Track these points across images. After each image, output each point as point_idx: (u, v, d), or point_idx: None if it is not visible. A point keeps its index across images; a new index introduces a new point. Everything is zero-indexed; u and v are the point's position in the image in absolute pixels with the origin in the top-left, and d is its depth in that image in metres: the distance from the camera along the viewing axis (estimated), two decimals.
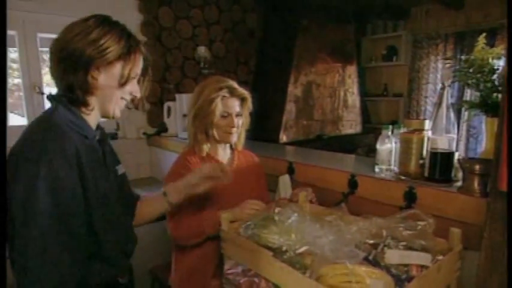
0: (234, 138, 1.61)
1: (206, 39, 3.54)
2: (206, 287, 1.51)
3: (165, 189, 1.36)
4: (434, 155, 1.34)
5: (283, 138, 3.65)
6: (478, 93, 1.34)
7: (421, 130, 1.40)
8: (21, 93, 2.75)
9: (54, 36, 1.07)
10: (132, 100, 1.24)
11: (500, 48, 1.30)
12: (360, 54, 4.68)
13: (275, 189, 1.85)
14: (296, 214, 1.14)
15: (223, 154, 1.67)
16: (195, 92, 1.61)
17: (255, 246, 1.10)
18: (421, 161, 1.41)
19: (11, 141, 1.01)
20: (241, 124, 1.61)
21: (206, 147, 1.61)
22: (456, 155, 1.36)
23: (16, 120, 2.83)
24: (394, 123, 1.62)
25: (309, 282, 0.92)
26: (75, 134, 1.02)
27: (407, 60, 4.40)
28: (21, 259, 0.95)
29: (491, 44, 1.28)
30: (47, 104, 1.11)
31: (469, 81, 1.32)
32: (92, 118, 1.12)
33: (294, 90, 3.72)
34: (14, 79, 2.90)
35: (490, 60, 1.26)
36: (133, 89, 1.15)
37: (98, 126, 1.18)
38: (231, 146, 1.71)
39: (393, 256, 1.02)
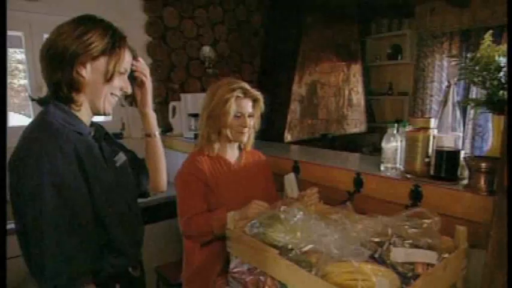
0: (245, 138, 1.66)
1: (211, 38, 3.55)
2: (212, 284, 1.52)
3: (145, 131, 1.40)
4: (440, 153, 1.34)
5: (288, 137, 3.65)
6: (484, 91, 1.34)
7: (426, 128, 1.40)
8: (27, 94, 2.78)
9: None
10: (126, 97, 1.28)
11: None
12: (364, 53, 4.66)
13: (280, 189, 1.86)
14: (302, 213, 1.15)
15: (232, 154, 1.71)
16: (208, 93, 1.65)
17: (260, 245, 1.11)
18: (426, 159, 1.40)
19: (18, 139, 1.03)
20: (252, 125, 1.66)
21: (216, 147, 1.64)
22: (462, 153, 1.35)
23: (23, 121, 2.85)
24: (399, 122, 1.62)
25: (315, 280, 0.93)
26: (70, 132, 1.04)
27: (412, 58, 4.38)
28: (36, 255, 0.97)
29: (497, 41, 1.27)
30: None
31: (475, 79, 1.32)
32: (84, 115, 1.13)
33: (298, 89, 3.72)
34: (20, 80, 2.92)
35: (497, 58, 1.26)
36: (123, 84, 1.16)
37: (92, 123, 1.20)
38: (239, 146, 1.75)
39: (399, 254, 1.02)
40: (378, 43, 4.75)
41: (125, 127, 3.08)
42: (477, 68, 1.30)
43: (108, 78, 1.10)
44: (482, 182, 1.22)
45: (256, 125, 1.70)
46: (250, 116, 1.64)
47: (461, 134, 1.34)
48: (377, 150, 4.07)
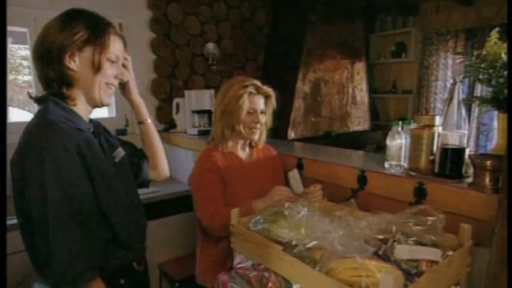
0: (256, 135, 1.70)
1: (215, 35, 3.55)
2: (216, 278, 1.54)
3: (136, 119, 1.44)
4: (444, 150, 1.33)
5: (291, 134, 3.65)
6: (489, 89, 1.33)
7: (431, 126, 1.39)
8: (32, 90, 2.79)
9: None
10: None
11: None
12: (368, 51, 4.64)
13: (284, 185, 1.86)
14: (306, 209, 1.15)
15: (244, 151, 1.76)
16: (222, 91, 1.69)
17: (264, 241, 1.11)
18: (431, 157, 1.40)
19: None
20: (264, 121, 1.70)
21: (230, 144, 1.69)
22: (467, 151, 1.35)
23: (27, 117, 2.86)
24: (403, 120, 1.62)
25: (319, 276, 0.93)
26: (70, 129, 1.05)
27: (416, 56, 4.36)
28: (42, 251, 0.98)
29: (503, 39, 1.26)
30: None
31: (481, 77, 1.31)
32: (82, 110, 1.14)
33: (302, 86, 3.71)
34: (24, 76, 2.94)
35: (503, 55, 1.25)
36: (117, 72, 1.16)
37: (91, 120, 1.21)
38: (250, 144, 1.78)
39: (403, 251, 1.02)
40: (382, 41, 4.73)
41: (129, 123, 3.09)
42: (483, 65, 1.29)
43: (97, 68, 1.09)
44: (487, 180, 1.21)
45: (269, 122, 1.75)
46: (262, 112, 1.68)
47: (466, 132, 1.34)
48: (380, 148, 4.08)
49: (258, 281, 1.13)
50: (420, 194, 1.38)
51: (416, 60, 4.36)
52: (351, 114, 4.32)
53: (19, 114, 2.91)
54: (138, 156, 1.40)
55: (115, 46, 1.13)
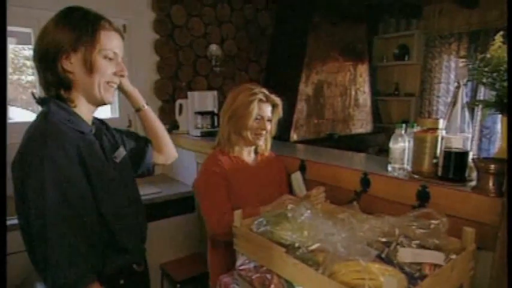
0: (261, 142, 1.73)
1: (218, 37, 3.56)
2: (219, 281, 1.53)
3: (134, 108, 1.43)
4: (448, 154, 1.33)
5: (294, 136, 3.65)
6: (493, 93, 1.33)
7: (435, 129, 1.39)
8: (35, 91, 2.80)
9: None
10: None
11: None
12: (371, 53, 4.64)
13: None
14: (309, 211, 1.15)
15: (248, 156, 1.78)
16: (230, 96, 1.72)
17: (267, 243, 1.11)
18: (434, 160, 1.40)
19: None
20: (270, 129, 1.73)
21: (236, 149, 1.72)
22: (470, 155, 1.35)
23: (30, 117, 2.87)
24: (406, 123, 1.61)
25: (322, 279, 0.93)
26: (71, 131, 1.05)
27: (419, 59, 4.36)
28: (40, 253, 0.97)
29: (508, 42, 1.26)
30: None
31: (485, 80, 1.31)
32: (84, 112, 1.13)
33: (305, 88, 3.72)
34: (27, 76, 2.95)
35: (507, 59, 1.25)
36: (116, 68, 1.12)
37: (93, 120, 1.20)
38: (255, 150, 1.80)
39: (406, 254, 1.02)
40: (385, 43, 4.73)
41: (132, 124, 3.10)
42: (487, 69, 1.29)
43: (93, 68, 1.06)
44: (490, 183, 1.21)
45: (273, 130, 1.78)
46: (268, 120, 1.71)
47: (469, 135, 1.33)
48: (383, 151, 4.08)
49: (261, 283, 1.13)
50: (423, 197, 1.38)
51: (419, 63, 4.36)
52: (353, 117, 4.31)
53: (22, 115, 2.92)
54: (141, 142, 1.42)
55: (111, 42, 1.09)
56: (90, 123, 1.16)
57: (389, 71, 4.79)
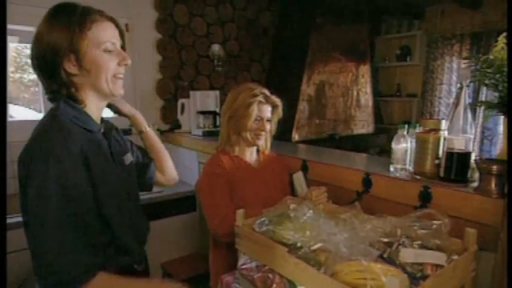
0: (261, 142, 1.73)
1: (220, 37, 3.56)
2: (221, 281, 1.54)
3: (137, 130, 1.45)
4: (450, 155, 1.33)
5: (296, 137, 3.65)
6: (495, 94, 1.33)
7: (437, 130, 1.39)
8: (37, 89, 2.80)
9: None
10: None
11: None
12: (373, 54, 4.64)
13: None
14: (311, 211, 1.15)
15: (251, 156, 1.78)
16: (230, 97, 1.72)
17: (269, 242, 1.11)
18: (436, 161, 1.40)
19: (26, 133, 1.04)
20: (269, 129, 1.74)
21: (237, 148, 1.72)
22: (473, 156, 1.35)
23: (32, 115, 2.88)
24: (408, 123, 1.62)
25: (324, 279, 0.93)
26: (79, 130, 1.04)
27: (421, 60, 4.35)
28: (38, 253, 0.97)
29: (508, 44, 1.26)
30: None
31: (487, 81, 1.31)
32: (94, 110, 1.12)
33: (306, 89, 3.72)
34: (30, 75, 2.95)
35: None
36: (118, 59, 1.09)
37: (102, 120, 1.20)
38: (257, 149, 1.81)
39: (408, 254, 1.02)
40: (387, 44, 4.73)
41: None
42: (490, 70, 1.29)
43: (96, 65, 1.04)
44: (492, 184, 1.21)
45: (273, 130, 1.79)
46: (268, 120, 1.71)
47: (472, 136, 1.33)
48: (384, 151, 4.08)
49: (263, 282, 1.13)
50: (425, 197, 1.38)
51: (421, 63, 4.36)
52: (355, 117, 4.31)
53: (24, 113, 2.92)
54: (147, 158, 1.43)
55: (106, 33, 1.06)
56: (98, 121, 1.16)
57: (391, 72, 4.78)
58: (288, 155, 2.04)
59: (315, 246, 1.05)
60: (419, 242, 1.06)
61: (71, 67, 1.02)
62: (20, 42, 2.85)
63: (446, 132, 1.38)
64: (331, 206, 1.47)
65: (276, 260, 1.09)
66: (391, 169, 1.58)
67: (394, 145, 1.56)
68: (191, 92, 3.02)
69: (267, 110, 1.70)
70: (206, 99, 2.99)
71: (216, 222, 1.54)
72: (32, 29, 2.62)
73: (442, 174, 1.37)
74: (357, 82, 4.28)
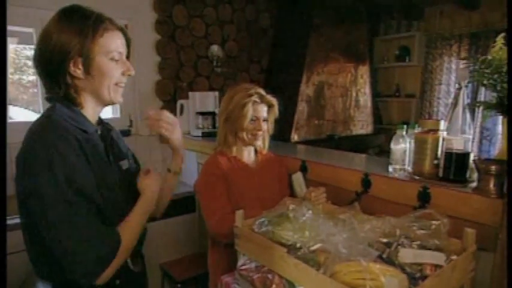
0: (259, 141, 1.73)
1: (219, 37, 3.56)
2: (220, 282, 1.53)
3: (168, 165, 1.40)
4: (449, 155, 1.33)
5: (295, 137, 3.65)
6: (494, 94, 1.33)
7: (436, 130, 1.40)
8: (36, 90, 2.80)
9: None
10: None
11: None
12: (372, 54, 4.64)
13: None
14: (310, 211, 1.15)
15: (248, 156, 1.78)
16: (226, 98, 1.72)
17: (269, 243, 1.11)
18: (435, 161, 1.40)
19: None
20: (266, 129, 1.73)
21: (234, 149, 1.72)
22: (471, 156, 1.35)
23: (31, 116, 2.87)
24: (407, 124, 1.62)
25: (323, 279, 0.93)
26: (75, 129, 1.04)
27: (420, 60, 4.35)
28: (56, 247, 0.97)
29: (508, 44, 1.27)
30: None
31: (486, 82, 1.31)
32: (90, 113, 1.12)
33: (305, 89, 3.72)
34: (29, 76, 2.95)
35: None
36: (123, 68, 1.11)
37: (100, 122, 1.20)
38: (255, 150, 1.81)
39: (407, 255, 1.02)
40: (386, 44, 4.73)
41: (133, 124, 3.10)
42: (488, 70, 1.29)
43: (102, 72, 1.05)
44: (491, 184, 1.21)
45: (270, 129, 1.78)
46: (264, 120, 1.71)
47: (470, 137, 1.34)
48: (383, 152, 4.08)
49: (262, 282, 1.13)
50: (424, 198, 1.38)
51: (420, 64, 4.36)
52: (354, 118, 4.32)
53: (23, 114, 2.92)
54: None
55: (116, 42, 1.08)
56: (94, 123, 1.15)
57: (390, 72, 4.79)
58: (287, 155, 2.04)
59: (314, 247, 1.05)
60: (418, 242, 1.06)
61: (76, 70, 1.03)
62: (19, 43, 2.85)
63: (445, 133, 1.38)
64: (330, 207, 1.47)
65: (275, 260, 1.09)
66: (390, 169, 1.58)
67: (393, 145, 1.56)
68: (190, 93, 3.02)
69: (263, 110, 1.70)
70: (205, 100, 3.00)
71: (215, 222, 1.54)
72: (31, 30, 2.63)
73: (441, 174, 1.37)
74: (355, 83, 4.28)
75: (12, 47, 2.79)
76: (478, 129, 3.75)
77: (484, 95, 3.60)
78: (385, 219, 1.15)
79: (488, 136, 3.74)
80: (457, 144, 1.32)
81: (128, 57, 1.15)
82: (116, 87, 1.11)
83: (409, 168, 1.53)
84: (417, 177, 1.45)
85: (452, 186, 1.33)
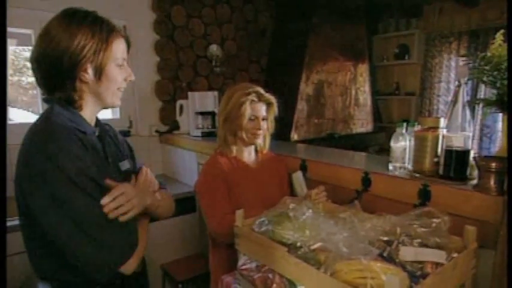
0: (259, 140, 1.73)
1: (218, 37, 3.56)
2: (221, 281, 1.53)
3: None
4: (449, 152, 1.33)
5: (295, 136, 3.65)
6: (494, 91, 1.33)
7: (436, 128, 1.39)
8: (36, 92, 2.80)
9: None
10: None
11: None
12: (371, 53, 4.64)
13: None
14: (310, 210, 1.15)
15: (249, 156, 1.77)
16: (225, 97, 1.71)
17: (269, 242, 1.11)
18: (435, 159, 1.40)
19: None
20: (266, 128, 1.72)
21: (234, 149, 1.71)
22: (472, 153, 1.35)
23: (31, 118, 2.87)
24: (407, 122, 1.62)
25: (324, 278, 0.93)
26: (74, 130, 1.04)
27: (419, 58, 4.36)
28: (74, 248, 0.98)
29: (508, 41, 1.27)
30: None
31: (486, 79, 1.31)
32: (88, 114, 1.13)
33: (305, 88, 3.72)
34: (28, 77, 2.95)
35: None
36: (126, 74, 1.14)
37: (98, 123, 1.20)
38: (256, 149, 1.80)
39: (408, 253, 1.02)
40: (385, 43, 4.73)
41: (133, 125, 3.10)
42: (488, 67, 1.29)
43: (109, 77, 1.07)
44: (492, 182, 1.21)
45: (270, 128, 1.77)
46: (264, 119, 1.70)
47: (470, 134, 1.33)
48: (383, 150, 4.08)
49: (263, 282, 1.13)
50: (424, 196, 1.38)
51: (420, 62, 4.36)
52: (353, 116, 4.31)
53: (23, 116, 2.92)
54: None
55: (121, 49, 1.10)
56: (93, 124, 1.16)
57: (390, 71, 4.79)
58: (287, 154, 2.04)
59: (315, 246, 1.04)
60: (419, 240, 1.06)
61: (85, 75, 1.05)
62: (19, 45, 2.85)
63: (445, 130, 1.38)
64: (330, 205, 1.46)
65: (275, 260, 1.09)
66: (390, 167, 1.58)
67: (392, 143, 1.56)
68: (189, 93, 3.02)
69: (261, 109, 1.69)
70: (205, 99, 2.99)
71: (215, 222, 1.54)
72: (30, 32, 2.63)
73: (441, 172, 1.37)
74: (355, 81, 4.28)
75: (11, 48, 2.79)
76: (478, 127, 3.75)
77: (483, 92, 3.60)
78: (385, 218, 1.14)
79: (488, 133, 3.73)
80: (457, 142, 1.32)
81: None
82: (117, 91, 1.13)
83: (409, 166, 1.53)
84: (417, 175, 1.44)
85: (452, 183, 1.33)
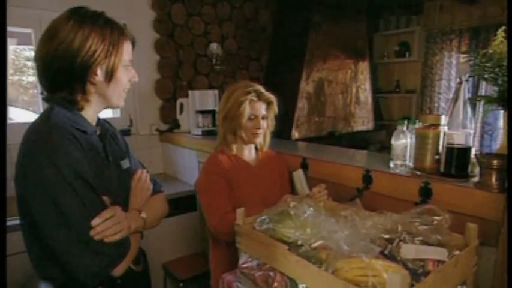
0: (259, 139, 1.72)
1: (218, 35, 3.56)
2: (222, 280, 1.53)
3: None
4: (450, 150, 1.33)
5: (295, 134, 3.64)
6: (495, 88, 1.32)
7: (437, 125, 1.39)
8: (36, 91, 2.80)
9: None
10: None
11: None
12: (372, 50, 4.63)
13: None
14: (311, 208, 1.14)
15: (249, 154, 1.77)
16: (225, 96, 1.70)
17: (270, 240, 1.11)
18: (436, 157, 1.39)
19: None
20: (266, 126, 1.72)
21: (234, 147, 1.71)
22: (473, 151, 1.34)
23: (31, 117, 2.87)
24: (408, 119, 1.61)
25: (326, 276, 0.93)
26: (74, 130, 1.04)
27: (420, 56, 4.34)
28: (57, 248, 0.98)
29: (508, 38, 1.26)
30: None
31: (487, 76, 1.30)
32: (90, 114, 1.13)
33: (305, 86, 3.71)
34: (28, 77, 2.95)
35: None
36: (130, 75, 1.15)
37: (99, 122, 1.20)
38: (256, 147, 1.80)
39: (409, 251, 1.02)
40: (385, 40, 4.72)
41: (133, 124, 3.10)
42: (489, 64, 1.28)
43: (116, 79, 1.08)
44: (493, 179, 1.21)
45: (271, 126, 1.76)
46: (263, 118, 1.69)
47: (472, 131, 1.33)
48: (384, 148, 4.07)
49: (264, 280, 1.12)
50: (426, 193, 1.37)
51: (420, 59, 4.35)
52: (354, 114, 4.31)
53: (23, 115, 2.92)
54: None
55: (129, 51, 1.12)
56: (94, 124, 1.16)
57: (390, 68, 4.78)
58: (288, 152, 2.03)
59: (316, 244, 1.04)
60: (420, 238, 1.06)
61: (95, 77, 1.05)
62: (19, 44, 2.85)
63: (446, 128, 1.38)
64: (331, 203, 1.46)
65: (276, 258, 1.08)
66: (391, 165, 1.57)
67: (393, 141, 1.56)
68: (190, 92, 3.01)
69: (261, 108, 1.68)
70: (205, 98, 2.99)
71: (216, 221, 1.54)
72: (30, 31, 2.63)
73: (442, 169, 1.37)
74: (356, 79, 4.27)
75: (11, 48, 2.79)
76: (479, 124, 3.73)
77: (485, 89, 3.58)
78: (386, 215, 1.14)
79: (489, 131, 3.72)
80: (458, 139, 1.32)
81: None
82: (122, 93, 1.15)
83: (410, 164, 1.52)
84: (418, 173, 1.44)
85: (453, 181, 1.32)
